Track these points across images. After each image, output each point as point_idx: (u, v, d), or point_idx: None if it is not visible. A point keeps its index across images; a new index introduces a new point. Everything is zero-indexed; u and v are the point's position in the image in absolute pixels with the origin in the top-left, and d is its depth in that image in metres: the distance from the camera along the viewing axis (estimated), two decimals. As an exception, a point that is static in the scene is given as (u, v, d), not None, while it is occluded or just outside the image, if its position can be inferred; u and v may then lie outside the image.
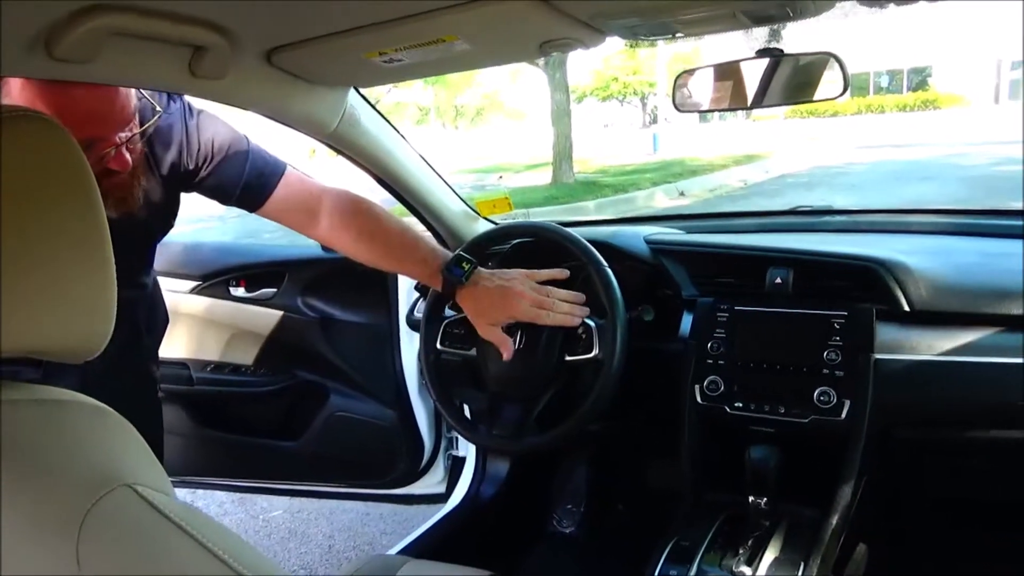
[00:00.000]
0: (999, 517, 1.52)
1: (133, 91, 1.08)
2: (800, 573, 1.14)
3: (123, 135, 1.07)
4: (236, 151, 1.29)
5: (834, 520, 1.18)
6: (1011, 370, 1.10)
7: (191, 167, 1.27)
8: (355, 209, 1.36)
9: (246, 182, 1.29)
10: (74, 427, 0.55)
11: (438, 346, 1.42)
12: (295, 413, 1.98)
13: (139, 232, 1.28)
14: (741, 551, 1.17)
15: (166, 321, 1.56)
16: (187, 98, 1.28)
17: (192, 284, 1.94)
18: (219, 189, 1.30)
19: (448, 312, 1.47)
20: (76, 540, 0.47)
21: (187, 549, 0.48)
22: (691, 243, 1.45)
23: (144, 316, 1.46)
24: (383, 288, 1.83)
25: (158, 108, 1.17)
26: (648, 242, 1.47)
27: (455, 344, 1.41)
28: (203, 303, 1.93)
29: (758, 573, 1.14)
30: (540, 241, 1.47)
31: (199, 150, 1.26)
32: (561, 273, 1.33)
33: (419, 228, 1.74)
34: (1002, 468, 1.30)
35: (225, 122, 1.31)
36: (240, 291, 1.94)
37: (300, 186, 1.35)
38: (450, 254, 1.36)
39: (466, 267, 1.32)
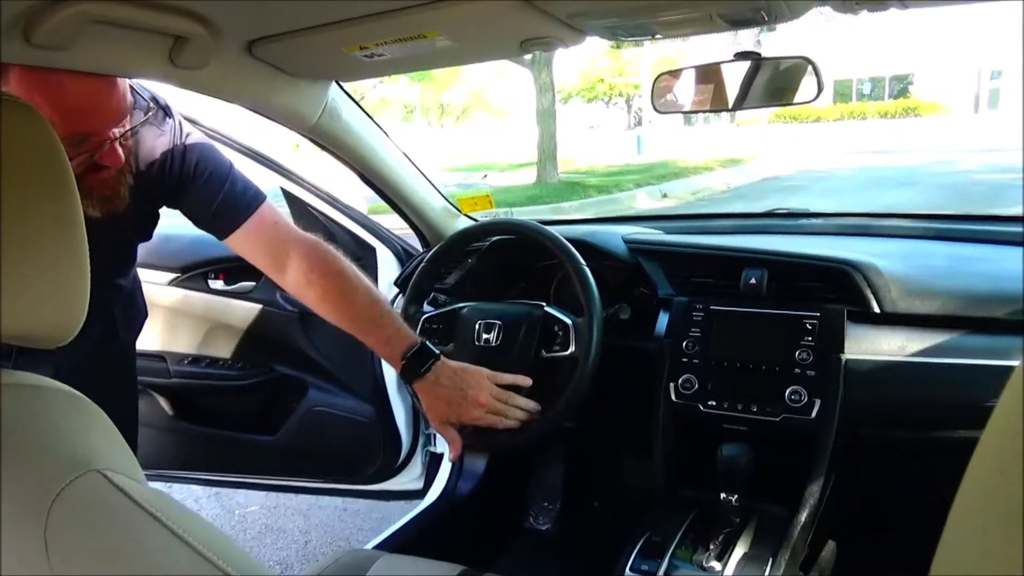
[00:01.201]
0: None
1: (128, 87, 1.07)
2: (769, 569, 1.15)
3: (116, 131, 1.07)
4: (216, 176, 1.26)
5: (803, 517, 1.20)
6: (977, 371, 1.13)
7: (171, 184, 1.25)
8: (325, 268, 1.30)
9: (218, 208, 1.26)
10: (48, 412, 0.55)
11: (416, 341, 1.42)
12: (272, 407, 1.98)
13: (119, 233, 1.26)
14: (712, 547, 1.19)
15: (144, 316, 1.55)
16: (180, 120, 1.27)
17: (170, 276, 1.93)
18: (192, 209, 1.28)
19: (426, 308, 1.48)
20: (44, 523, 0.47)
21: (156, 534, 0.48)
22: (668, 243, 1.47)
23: (121, 313, 1.45)
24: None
25: (151, 106, 1.17)
26: (626, 241, 1.48)
27: (433, 339, 1.41)
28: (181, 295, 1.92)
29: (728, 569, 1.16)
30: (519, 238, 1.48)
31: (181, 168, 1.24)
32: (524, 381, 1.29)
33: (402, 226, 1.75)
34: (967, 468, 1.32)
35: (213, 146, 1.29)
36: (218, 284, 1.93)
37: (272, 228, 1.30)
38: (415, 338, 1.29)
39: (428, 361, 1.27)
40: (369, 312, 1.30)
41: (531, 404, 1.28)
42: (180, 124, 1.26)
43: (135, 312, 1.52)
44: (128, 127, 1.09)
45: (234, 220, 1.27)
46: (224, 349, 1.93)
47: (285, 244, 1.29)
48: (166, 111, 1.24)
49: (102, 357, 1.38)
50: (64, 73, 0.96)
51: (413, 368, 1.26)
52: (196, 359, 1.95)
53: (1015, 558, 0.30)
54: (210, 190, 1.26)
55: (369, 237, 1.80)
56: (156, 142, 1.22)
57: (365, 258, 1.81)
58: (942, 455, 1.29)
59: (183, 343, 1.94)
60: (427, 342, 1.29)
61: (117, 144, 1.06)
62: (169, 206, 1.30)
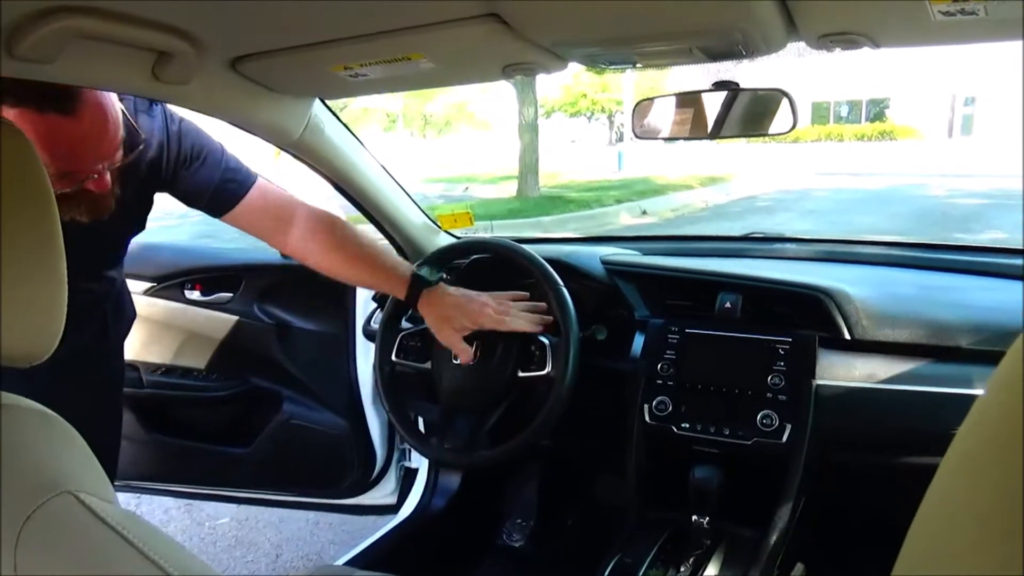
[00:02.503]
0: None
1: (121, 122, 1.09)
2: None
3: (105, 165, 1.09)
4: (211, 157, 1.30)
5: (772, 539, 1.21)
6: (943, 399, 1.15)
7: (169, 171, 1.28)
8: (328, 222, 1.37)
9: (217, 187, 1.30)
10: (17, 432, 0.55)
11: (393, 358, 1.43)
12: (246, 419, 1.97)
13: (112, 232, 1.30)
14: (682, 568, 1.20)
15: (133, 315, 1.57)
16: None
17: (146, 285, 1.91)
18: (191, 192, 1.31)
19: (405, 324, 1.48)
20: (14, 546, 0.47)
21: (127, 557, 0.48)
22: (646, 265, 1.48)
23: (112, 308, 1.47)
24: (340, 297, 1.83)
25: (143, 135, 1.18)
26: (604, 262, 1.50)
27: (410, 356, 1.42)
28: (157, 305, 1.91)
29: None
30: (498, 257, 1.49)
31: (178, 154, 1.27)
32: (523, 293, 1.38)
33: (380, 240, 1.75)
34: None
35: (202, 130, 1.32)
36: (195, 294, 1.92)
37: (273, 195, 1.36)
38: (414, 268, 1.38)
39: (433, 274, 1.37)
40: (371, 250, 1.39)
41: (534, 305, 1.37)
42: (169, 111, 1.28)
43: (124, 309, 1.53)
44: (118, 163, 1.11)
45: (235, 196, 1.31)
46: (199, 360, 1.92)
47: (287, 207, 1.37)
48: (151, 100, 1.25)
49: (94, 355, 1.41)
50: (58, 117, 0.98)
51: (420, 284, 1.34)
52: (170, 369, 1.93)
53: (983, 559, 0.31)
54: (207, 171, 1.30)
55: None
56: (149, 127, 1.23)
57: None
58: (908, 480, 1.32)
59: (157, 353, 1.92)
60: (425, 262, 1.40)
61: (106, 173, 1.07)
62: (163, 191, 1.33)
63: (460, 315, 1.33)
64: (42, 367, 0.59)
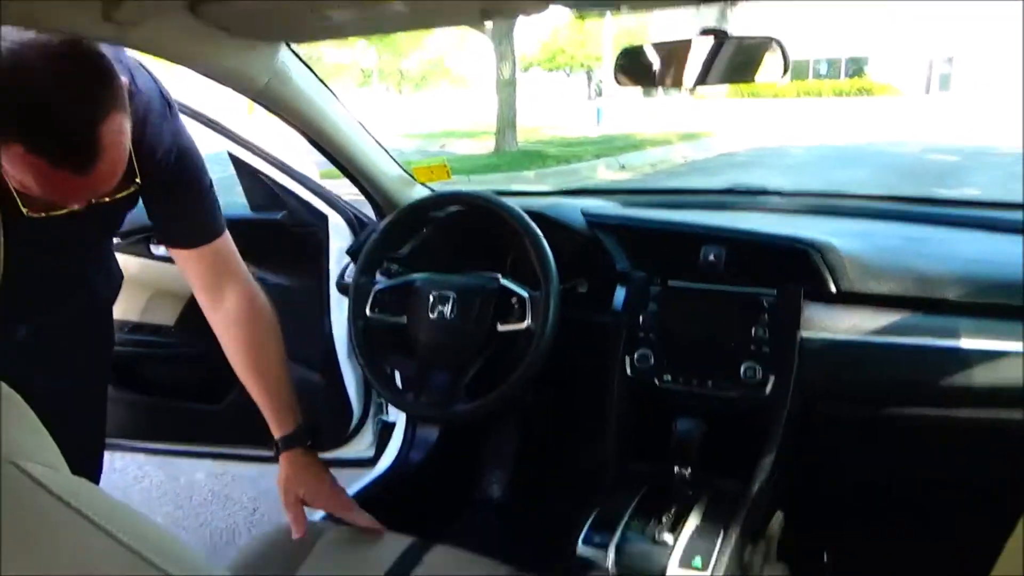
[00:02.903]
0: (910, 490, 1.59)
1: (124, 163, 0.96)
2: (720, 541, 1.16)
3: (93, 200, 0.99)
4: (197, 189, 1.21)
5: (755, 491, 1.21)
6: (927, 351, 1.14)
7: (159, 179, 1.15)
8: (256, 318, 1.31)
9: (186, 223, 1.22)
10: None
11: (368, 312, 1.39)
12: (218, 376, 1.92)
13: (103, 217, 1.18)
14: (664, 520, 1.19)
15: (121, 276, 1.51)
16: (178, 112, 1.20)
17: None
18: (156, 210, 1.22)
19: (379, 278, 1.44)
20: None
21: (76, 526, 0.45)
22: (627, 217, 1.45)
23: (104, 273, 1.43)
24: (314, 251, 1.78)
25: (138, 180, 1.07)
26: (585, 215, 1.46)
27: (385, 311, 1.38)
28: (121, 261, 1.84)
29: (680, 541, 1.16)
30: (475, 210, 1.45)
31: (171, 168, 1.16)
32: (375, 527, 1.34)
33: (355, 192, 1.70)
34: (915, 445, 1.36)
35: (201, 155, 1.23)
36: (161, 250, 1.86)
37: (224, 259, 1.27)
38: (300, 429, 1.33)
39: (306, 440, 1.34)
40: (279, 372, 1.33)
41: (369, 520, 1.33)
42: (178, 117, 1.19)
43: (113, 272, 1.48)
44: (106, 198, 1.00)
45: (194, 240, 1.23)
46: (167, 317, 1.87)
47: (229, 279, 1.28)
48: (168, 102, 1.17)
49: (82, 317, 1.37)
50: (69, 175, 0.87)
51: (297, 440, 1.31)
52: (138, 327, 1.88)
53: None
54: (186, 202, 1.21)
55: (321, 204, 1.75)
56: (159, 129, 1.13)
57: (316, 226, 1.76)
58: (891, 431, 1.32)
59: (125, 311, 1.87)
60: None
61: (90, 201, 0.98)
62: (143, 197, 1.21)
63: (303, 487, 1.31)
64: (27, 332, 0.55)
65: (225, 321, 1.29)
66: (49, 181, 0.89)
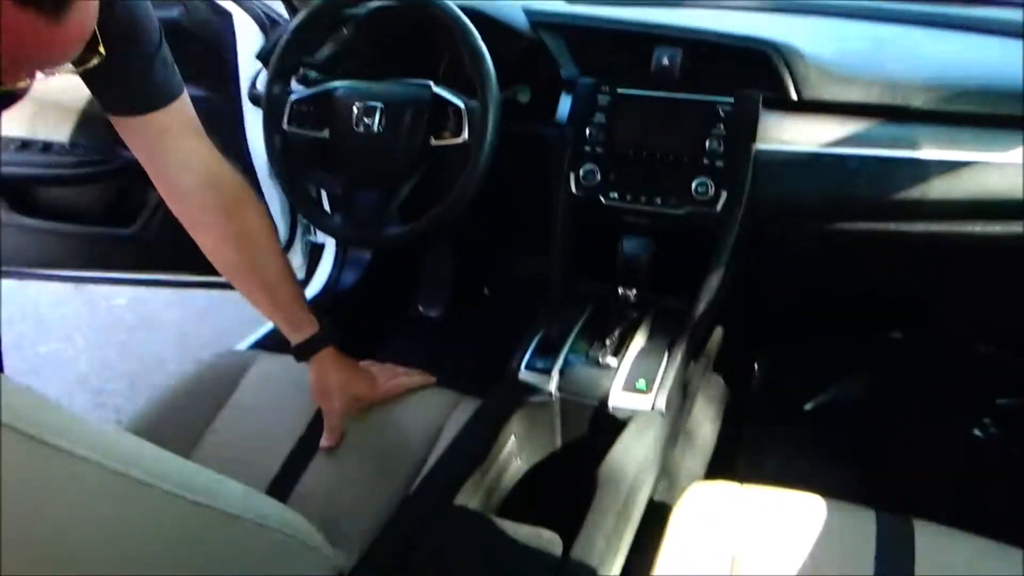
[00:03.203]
0: (847, 305, 1.61)
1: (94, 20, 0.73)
2: (665, 360, 1.15)
3: (51, 72, 0.74)
4: (145, 48, 0.95)
5: (700, 309, 1.19)
6: (887, 163, 1.08)
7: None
8: (236, 203, 1.10)
9: (132, 88, 0.97)
10: None
11: (284, 126, 1.24)
12: (124, 197, 1.76)
13: None
14: (608, 343, 1.17)
15: None
16: None
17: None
18: (103, 78, 0.93)
19: (295, 86, 1.28)
20: None
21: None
22: (574, 15, 1.30)
23: None
24: (219, 56, 1.57)
25: (101, 51, 0.80)
26: (528, 13, 1.30)
27: (304, 124, 1.24)
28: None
29: (624, 364, 1.14)
30: (402, 5, 1.27)
31: (116, 23, 0.89)
32: (428, 379, 1.24)
33: None
34: (863, 260, 1.34)
35: (150, 6, 0.96)
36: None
37: (184, 125, 1.04)
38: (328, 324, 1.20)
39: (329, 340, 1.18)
40: (283, 280, 1.15)
41: (425, 379, 1.24)
42: None
43: None
44: (64, 71, 0.78)
45: (144, 106, 0.98)
46: (58, 132, 1.66)
47: (194, 154, 1.05)
48: None
49: None
50: (35, 16, 0.64)
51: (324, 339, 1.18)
52: (26, 144, 1.67)
53: None
54: (133, 63, 0.95)
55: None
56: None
57: (219, 25, 1.55)
58: (839, 246, 1.30)
59: (7, 126, 1.65)
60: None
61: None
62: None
63: (351, 383, 1.18)
64: None
65: (198, 213, 1.10)
66: (11, 27, 0.68)
